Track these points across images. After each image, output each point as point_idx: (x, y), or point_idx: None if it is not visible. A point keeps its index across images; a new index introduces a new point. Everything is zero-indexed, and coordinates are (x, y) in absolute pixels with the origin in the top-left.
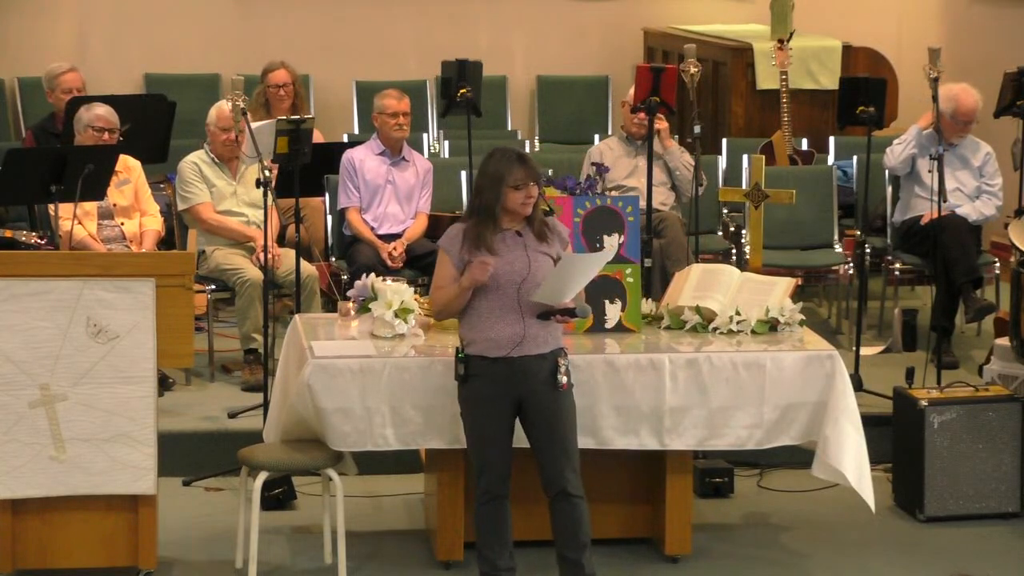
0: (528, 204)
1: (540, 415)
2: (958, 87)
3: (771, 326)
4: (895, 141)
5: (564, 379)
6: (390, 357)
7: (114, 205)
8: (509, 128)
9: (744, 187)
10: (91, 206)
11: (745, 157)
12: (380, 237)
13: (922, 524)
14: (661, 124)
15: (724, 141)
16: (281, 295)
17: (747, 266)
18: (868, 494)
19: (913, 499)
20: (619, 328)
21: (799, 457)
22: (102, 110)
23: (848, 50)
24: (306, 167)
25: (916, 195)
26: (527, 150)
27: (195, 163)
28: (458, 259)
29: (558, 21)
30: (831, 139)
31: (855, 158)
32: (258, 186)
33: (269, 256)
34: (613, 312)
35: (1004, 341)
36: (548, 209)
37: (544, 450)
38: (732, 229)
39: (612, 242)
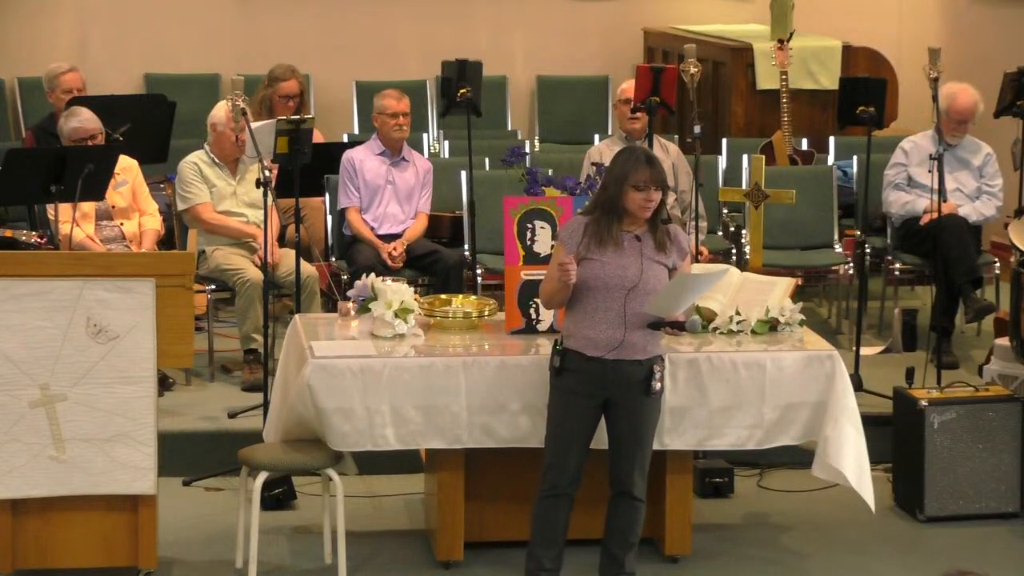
0: (647, 207)
1: (626, 418)
2: (959, 86)
3: (771, 326)
4: (891, 183)
5: (658, 385)
6: (390, 357)
7: (112, 207)
8: (509, 128)
9: (744, 187)
10: (89, 207)
11: (745, 157)
12: (380, 237)
13: (922, 524)
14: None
15: (724, 141)
16: (281, 295)
17: (747, 266)
18: (868, 494)
19: (913, 499)
20: None
21: (799, 457)
22: (77, 121)
23: (848, 50)
24: (306, 167)
25: (916, 195)
26: (527, 150)
27: (195, 163)
28: (575, 254)
29: (558, 21)
30: (831, 139)
31: (855, 158)
32: (258, 186)
33: (270, 256)
34: None
35: (1004, 341)
36: (666, 218)
37: (620, 450)
38: (732, 229)
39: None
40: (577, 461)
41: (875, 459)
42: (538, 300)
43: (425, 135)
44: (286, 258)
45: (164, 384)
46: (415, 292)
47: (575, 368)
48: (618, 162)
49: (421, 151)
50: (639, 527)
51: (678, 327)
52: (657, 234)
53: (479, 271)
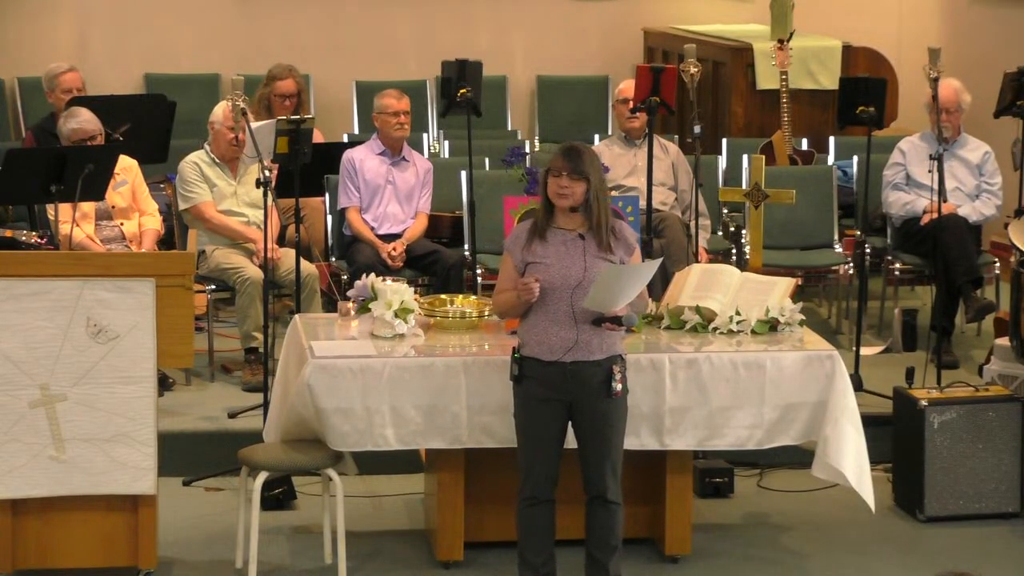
0: (563, 194)
1: (590, 421)
2: (942, 80)
3: (771, 326)
4: (889, 183)
5: (618, 387)
6: (390, 357)
7: (112, 207)
8: (509, 128)
9: (744, 187)
10: (89, 207)
11: (745, 157)
12: (380, 237)
13: (922, 524)
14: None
15: (724, 141)
16: (281, 295)
17: (747, 266)
18: (868, 494)
19: (913, 499)
20: None
21: (799, 457)
22: (76, 122)
23: (848, 50)
24: (306, 167)
25: (916, 195)
26: (527, 150)
27: (195, 163)
28: (520, 260)
29: (558, 21)
30: (831, 139)
31: (855, 158)
32: (258, 186)
33: (270, 255)
34: None
35: (1004, 341)
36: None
37: (588, 455)
38: (732, 229)
39: None
40: (550, 465)
41: (875, 459)
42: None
43: (425, 135)
44: (286, 257)
45: (164, 384)
46: (415, 292)
47: (534, 374)
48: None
49: (421, 151)
50: (619, 529)
51: (616, 322)
52: (600, 231)
53: (479, 271)
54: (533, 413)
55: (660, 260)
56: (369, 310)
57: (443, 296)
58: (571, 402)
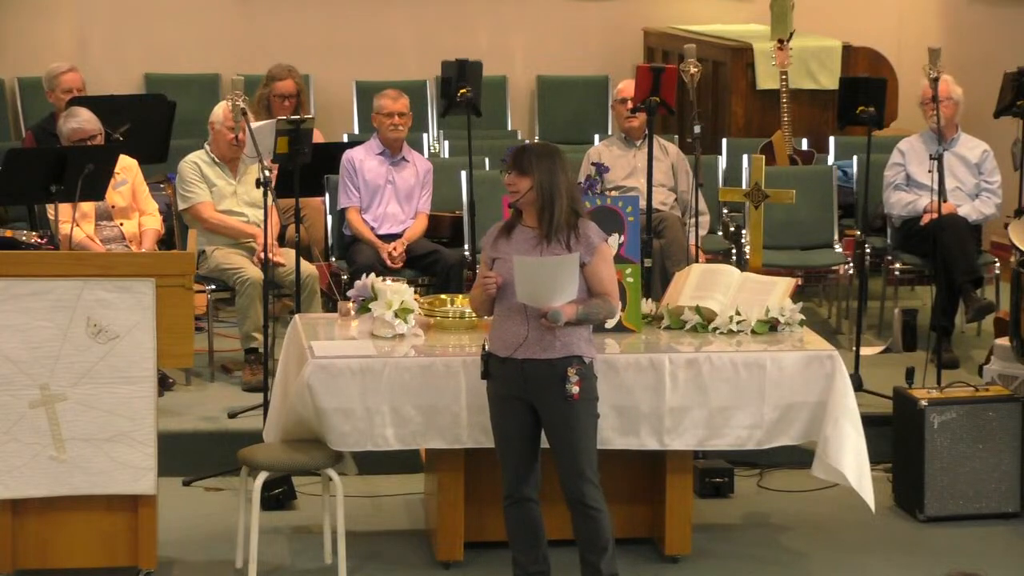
0: (510, 190)
1: (551, 424)
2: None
3: (771, 326)
4: (890, 183)
5: (575, 389)
6: (390, 357)
7: (112, 206)
8: (509, 128)
9: (744, 187)
10: (89, 207)
11: (745, 157)
12: (380, 237)
13: (922, 524)
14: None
15: (724, 141)
16: (281, 295)
17: (747, 266)
18: (868, 494)
19: (913, 499)
20: (619, 328)
21: (799, 457)
22: (76, 122)
23: (848, 50)
24: (306, 167)
25: (917, 195)
26: None
27: (195, 163)
28: (488, 256)
29: (558, 21)
30: (831, 139)
31: (855, 158)
32: (258, 186)
33: (271, 257)
34: None
35: (1004, 341)
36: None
37: (557, 460)
38: (732, 229)
39: (611, 242)
40: (523, 465)
41: (875, 459)
42: None
43: (425, 135)
44: (286, 258)
45: (164, 384)
46: (415, 292)
47: (495, 372)
48: None
49: (421, 151)
50: (606, 532)
51: (545, 317)
52: (560, 230)
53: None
54: (497, 410)
55: (577, 255)
56: (369, 310)
57: (443, 296)
58: (531, 402)
